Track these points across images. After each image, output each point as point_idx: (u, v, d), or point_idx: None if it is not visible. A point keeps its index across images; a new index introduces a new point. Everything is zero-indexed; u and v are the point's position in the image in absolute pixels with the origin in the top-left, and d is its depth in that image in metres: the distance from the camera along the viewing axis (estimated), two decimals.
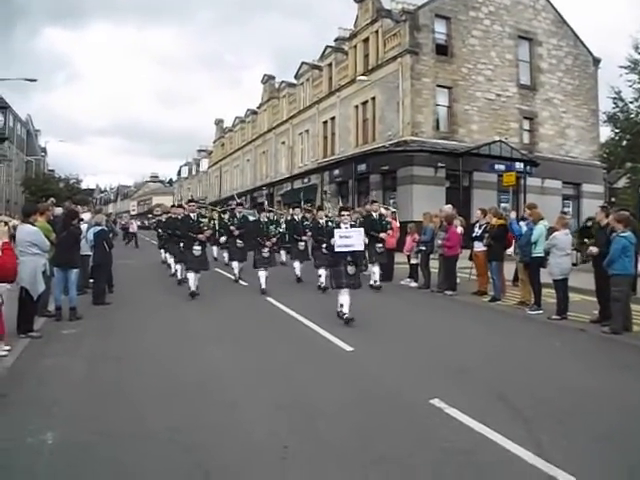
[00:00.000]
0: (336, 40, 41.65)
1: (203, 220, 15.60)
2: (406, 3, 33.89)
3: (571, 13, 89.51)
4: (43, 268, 10.03)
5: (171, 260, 19.72)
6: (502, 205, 27.28)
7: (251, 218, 19.42)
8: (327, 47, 41.32)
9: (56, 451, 5.23)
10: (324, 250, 14.37)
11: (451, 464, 4.99)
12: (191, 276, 14.49)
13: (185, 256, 15.03)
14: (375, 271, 15.82)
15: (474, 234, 15.00)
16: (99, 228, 14.02)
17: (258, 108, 56.75)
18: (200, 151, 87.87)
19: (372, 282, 15.63)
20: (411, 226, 17.87)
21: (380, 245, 15.61)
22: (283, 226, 17.79)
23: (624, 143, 37.90)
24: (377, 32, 33.94)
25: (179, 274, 17.32)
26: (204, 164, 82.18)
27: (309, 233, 17.78)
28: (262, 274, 15.15)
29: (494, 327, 11.29)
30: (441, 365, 8.21)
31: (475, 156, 29.89)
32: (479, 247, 14.75)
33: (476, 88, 32.62)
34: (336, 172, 36.74)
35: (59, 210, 14.57)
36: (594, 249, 11.22)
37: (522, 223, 13.82)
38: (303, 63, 45.33)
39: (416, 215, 22.42)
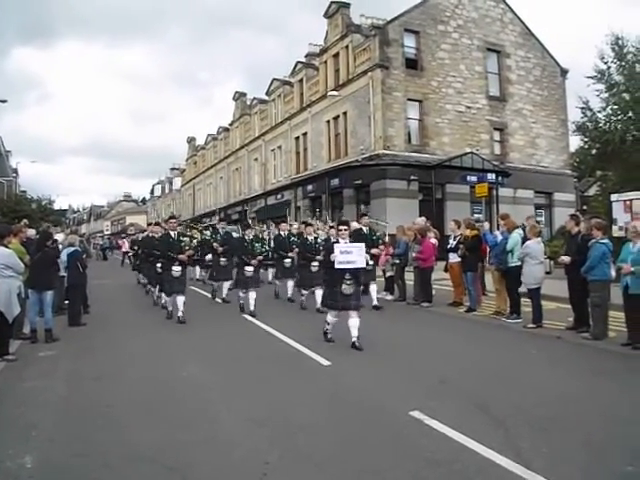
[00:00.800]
0: (307, 56, 41.84)
1: (184, 239, 14.42)
2: (375, 18, 34.15)
3: (538, 25, 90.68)
4: (18, 290, 9.93)
5: (144, 281, 18.92)
6: (475, 216, 27.44)
7: (234, 235, 18.87)
8: (298, 63, 41.49)
9: (35, 475, 5.17)
10: (312, 268, 14.35)
11: (432, 475, 5.01)
12: (170, 300, 13.74)
13: (163, 278, 13.95)
14: (372, 289, 15.00)
15: (449, 246, 15.11)
16: (72, 249, 13.86)
17: (230, 125, 56.77)
18: (173, 169, 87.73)
19: (374, 304, 14.77)
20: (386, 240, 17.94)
21: (370, 262, 14.63)
22: (271, 244, 17.25)
23: (593, 152, 38.36)
24: (347, 47, 34.13)
25: (155, 295, 16.41)
26: (177, 182, 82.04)
27: (296, 250, 16.32)
28: (251, 295, 14.01)
29: (471, 337, 11.32)
30: (420, 377, 8.25)
31: (447, 168, 30.10)
32: (454, 258, 14.84)
33: (446, 101, 32.88)
34: (309, 187, 36.78)
35: (32, 232, 14.45)
36: (566, 258, 11.35)
37: (497, 232, 13.93)
38: (274, 79, 45.43)
39: (390, 228, 22.50)
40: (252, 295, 14.04)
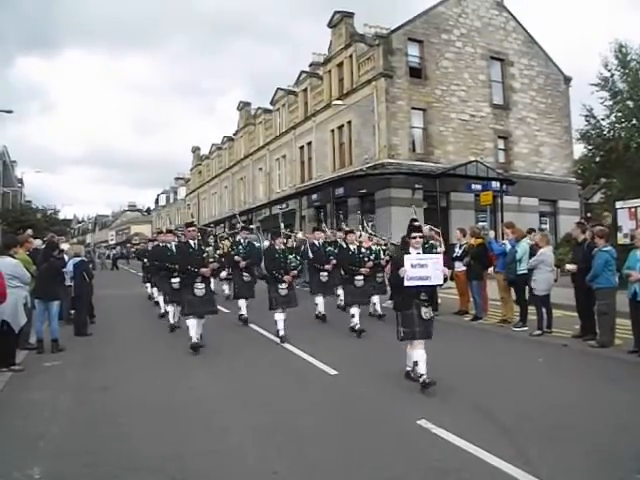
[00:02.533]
0: (311, 65, 41.89)
1: (208, 250, 11.61)
2: (379, 27, 34.21)
3: (541, 33, 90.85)
4: (24, 301, 9.96)
5: (159, 297, 16.38)
6: (480, 224, 27.45)
7: (256, 244, 17.00)
8: (302, 72, 41.57)
9: None
10: (357, 282, 12.94)
11: None
12: (192, 323, 11.10)
13: (182, 296, 11.51)
14: (375, 301, 14.62)
15: (454, 254, 15.12)
16: (78, 259, 13.94)
17: (234, 135, 56.85)
18: (177, 179, 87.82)
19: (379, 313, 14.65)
20: (390, 248, 17.93)
21: (380, 275, 14.43)
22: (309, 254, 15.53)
23: (597, 159, 38.40)
24: (351, 56, 34.19)
25: (171, 317, 13.91)
26: (182, 192, 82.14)
27: (333, 261, 14.97)
28: (279, 317, 12.03)
29: (478, 346, 11.33)
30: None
31: (452, 177, 30.08)
32: (459, 267, 14.85)
33: (450, 109, 32.88)
34: (314, 197, 36.76)
35: (38, 242, 14.50)
36: (572, 266, 11.36)
37: (506, 241, 13.93)
38: (278, 89, 45.49)
39: (395, 237, 22.44)
40: (281, 316, 12.05)
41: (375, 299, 14.58)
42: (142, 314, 17.59)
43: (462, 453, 5.64)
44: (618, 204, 19.29)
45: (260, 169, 49.42)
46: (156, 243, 16.90)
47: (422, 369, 7.80)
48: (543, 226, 32.00)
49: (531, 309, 12.57)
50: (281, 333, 11.90)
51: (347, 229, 14.95)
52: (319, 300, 15.02)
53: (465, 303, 15.00)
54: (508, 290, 13.27)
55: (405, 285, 7.79)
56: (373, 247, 14.25)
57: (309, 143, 39.91)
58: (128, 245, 79.20)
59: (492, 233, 15.47)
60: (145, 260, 19.44)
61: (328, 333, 13.09)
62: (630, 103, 35.09)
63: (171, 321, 13.83)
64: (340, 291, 15.19)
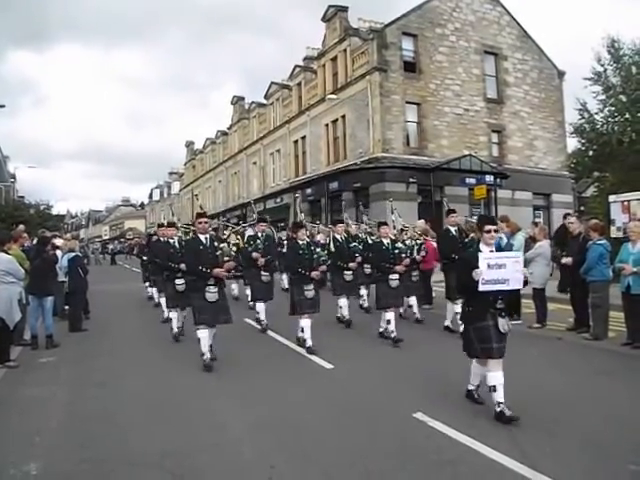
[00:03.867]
0: (305, 59, 41.80)
1: (222, 246, 9.73)
2: (373, 22, 34.28)
3: (535, 28, 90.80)
4: (19, 297, 9.95)
5: (162, 300, 14.22)
6: (474, 218, 27.54)
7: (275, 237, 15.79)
8: (296, 66, 41.49)
9: None
10: (391, 282, 11.04)
11: (438, 476, 5.05)
12: (204, 335, 9.34)
13: (191, 302, 9.68)
14: (413, 303, 13.43)
15: None
16: (73, 254, 13.93)
17: (228, 129, 56.79)
18: (171, 174, 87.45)
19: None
20: None
21: (416, 273, 13.35)
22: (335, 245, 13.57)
23: (591, 153, 38.52)
24: (345, 51, 34.18)
25: (175, 324, 11.98)
26: (176, 187, 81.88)
27: (358, 259, 13.47)
28: (306, 323, 10.38)
29: None
30: (422, 379, 8.26)
31: (446, 171, 30.16)
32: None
33: (444, 103, 32.93)
34: (308, 191, 36.75)
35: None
36: (568, 259, 11.41)
37: (502, 234, 13.92)
38: (272, 83, 45.40)
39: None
40: (308, 322, 10.41)
41: (412, 300, 13.39)
42: (138, 309, 17.50)
43: (458, 445, 5.68)
44: (611, 198, 19.37)
45: (254, 163, 49.36)
46: (155, 238, 14.50)
47: (500, 396, 6.50)
48: (537, 220, 32.11)
49: (524, 302, 12.57)
50: (308, 343, 10.23)
51: (379, 221, 12.81)
52: (343, 302, 13.31)
53: None
54: None
55: (479, 290, 6.40)
56: (407, 242, 12.58)
57: (303, 137, 39.89)
58: (122, 240, 79.06)
59: None
60: (144, 257, 17.90)
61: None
62: (623, 97, 35.21)
63: (174, 329, 11.89)
64: (364, 291, 14.74)
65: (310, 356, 9.81)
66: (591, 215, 15.54)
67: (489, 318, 6.63)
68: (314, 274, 10.43)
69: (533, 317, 12.25)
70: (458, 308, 10.67)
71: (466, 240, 11.39)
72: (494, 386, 6.51)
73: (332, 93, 33.91)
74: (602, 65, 36.16)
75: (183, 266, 10.52)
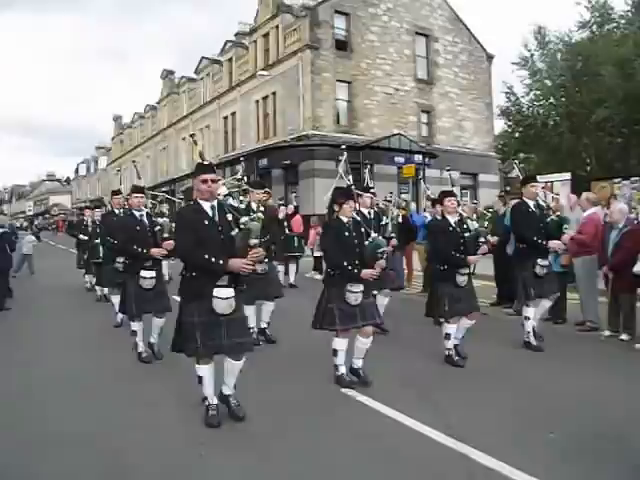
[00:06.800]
0: (236, 35, 41.38)
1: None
2: None
3: (466, 11, 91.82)
4: None
5: (114, 298, 10.50)
6: (402, 196, 27.89)
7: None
8: (227, 42, 41.03)
9: None
10: (460, 281, 7.68)
11: (364, 448, 5.13)
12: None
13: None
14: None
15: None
16: (1, 230, 13.04)
17: (157, 104, 55.94)
18: (99, 148, 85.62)
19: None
20: (314, 219, 18.05)
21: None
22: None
23: (517, 135, 39.67)
24: (277, 27, 34.00)
25: (139, 341, 8.29)
26: (103, 161, 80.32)
27: (393, 241, 9.42)
28: (342, 345, 6.79)
29: (400, 315, 11.04)
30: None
31: (375, 149, 30.36)
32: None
33: (375, 83, 33.12)
34: (237, 167, 36.49)
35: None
36: (493, 238, 11.66)
37: (426, 213, 14.15)
38: (203, 58, 44.88)
39: (318, 208, 22.58)
40: (365, 342, 6.86)
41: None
42: (66, 287, 16.71)
43: (385, 419, 5.76)
44: None
45: (183, 139, 48.77)
46: (109, 210, 11.97)
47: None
48: (464, 199, 32.68)
49: None
50: (342, 371, 6.89)
51: (443, 190, 8.34)
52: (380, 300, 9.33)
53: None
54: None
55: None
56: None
57: (233, 113, 39.62)
58: (47, 216, 77.24)
59: (413, 205, 15.69)
60: (82, 236, 14.95)
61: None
62: (548, 82, 36.31)
63: (139, 347, 8.25)
64: None
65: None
66: (516, 195, 15.90)
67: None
68: (367, 273, 6.60)
69: None
70: None
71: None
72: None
73: (263, 69, 33.73)
74: (529, 51, 37.32)
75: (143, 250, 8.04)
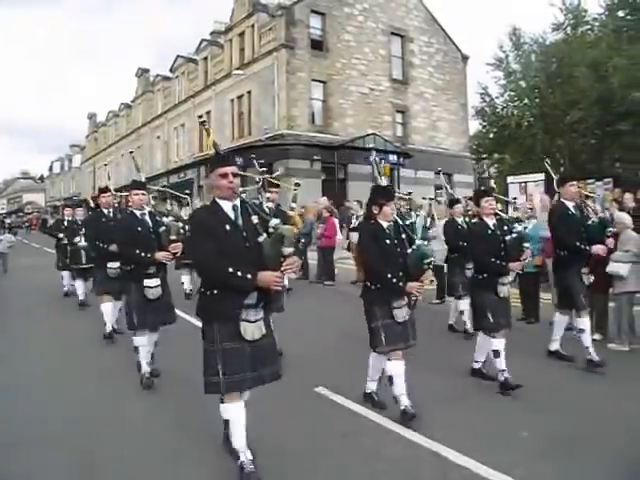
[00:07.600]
0: (212, 33, 41.26)
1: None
2: None
3: (441, 12, 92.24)
4: None
5: (105, 307, 9.28)
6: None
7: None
8: (203, 40, 40.91)
9: None
10: (501, 291, 6.82)
11: (340, 446, 5.14)
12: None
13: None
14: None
15: (352, 225, 15.35)
16: None
17: (132, 102, 55.51)
18: (73, 146, 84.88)
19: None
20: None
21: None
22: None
23: (491, 135, 39.90)
24: (253, 26, 33.89)
25: (142, 359, 6.94)
26: (77, 160, 79.64)
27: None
28: (397, 368, 5.72)
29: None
30: (321, 353, 8.32)
31: (350, 149, 30.53)
32: (357, 238, 15.04)
33: (350, 82, 33.16)
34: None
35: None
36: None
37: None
38: (178, 56, 44.60)
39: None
40: (399, 367, 5.76)
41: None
42: (41, 284, 16.41)
43: (359, 418, 5.78)
44: (509, 179, 20.01)
45: (158, 137, 48.55)
46: (97, 209, 10.42)
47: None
48: (439, 199, 32.76)
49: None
50: (404, 403, 5.69)
51: (480, 189, 7.94)
52: (464, 306, 9.33)
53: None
54: None
55: None
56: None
57: (208, 112, 39.36)
58: (20, 214, 76.50)
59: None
60: (62, 236, 13.54)
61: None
62: (522, 83, 36.56)
63: (143, 367, 6.95)
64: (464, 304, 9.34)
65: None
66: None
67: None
68: (415, 287, 5.69)
69: (432, 293, 12.48)
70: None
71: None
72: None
73: (238, 69, 33.62)
74: (504, 52, 37.51)
75: (114, 247, 7.74)
